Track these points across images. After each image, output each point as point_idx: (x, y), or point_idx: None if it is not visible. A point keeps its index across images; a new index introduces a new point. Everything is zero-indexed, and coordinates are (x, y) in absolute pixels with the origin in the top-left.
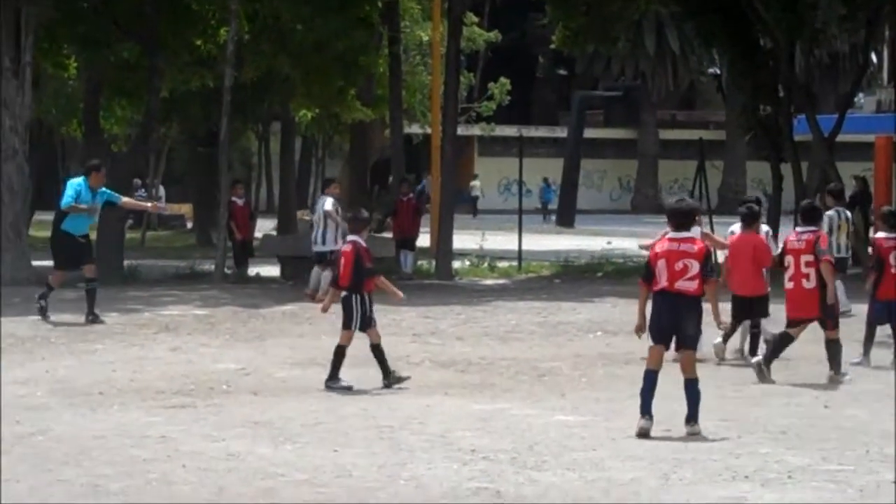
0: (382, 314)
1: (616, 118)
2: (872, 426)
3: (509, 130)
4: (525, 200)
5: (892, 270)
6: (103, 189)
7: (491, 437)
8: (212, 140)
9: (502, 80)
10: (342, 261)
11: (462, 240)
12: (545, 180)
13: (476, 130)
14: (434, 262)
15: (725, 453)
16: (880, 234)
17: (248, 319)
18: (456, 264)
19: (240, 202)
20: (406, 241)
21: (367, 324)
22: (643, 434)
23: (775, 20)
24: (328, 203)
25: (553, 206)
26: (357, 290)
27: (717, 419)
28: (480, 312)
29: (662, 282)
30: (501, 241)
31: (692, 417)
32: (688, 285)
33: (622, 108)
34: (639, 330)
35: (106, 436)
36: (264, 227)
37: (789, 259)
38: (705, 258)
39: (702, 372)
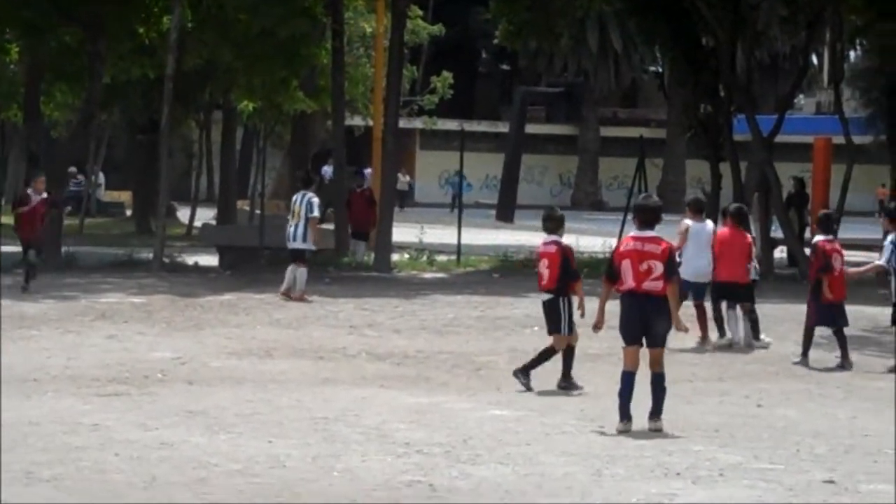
0: (318, 306)
1: (558, 114)
2: (803, 426)
3: (451, 124)
4: (465, 194)
5: (835, 273)
6: None
7: (426, 430)
8: (153, 128)
9: (445, 73)
10: (546, 262)
11: (401, 233)
12: (457, 173)
13: (418, 124)
14: (373, 255)
15: (658, 450)
16: (819, 238)
17: (186, 308)
18: (395, 257)
19: (36, 198)
20: (360, 231)
21: (571, 329)
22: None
23: (717, 20)
24: (316, 209)
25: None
26: (563, 293)
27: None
28: (418, 306)
29: (629, 282)
30: (441, 234)
31: (656, 413)
32: (654, 286)
33: (564, 105)
34: (597, 327)
35: (40, 423)
36: (204, 216)
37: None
38: (669, 259)
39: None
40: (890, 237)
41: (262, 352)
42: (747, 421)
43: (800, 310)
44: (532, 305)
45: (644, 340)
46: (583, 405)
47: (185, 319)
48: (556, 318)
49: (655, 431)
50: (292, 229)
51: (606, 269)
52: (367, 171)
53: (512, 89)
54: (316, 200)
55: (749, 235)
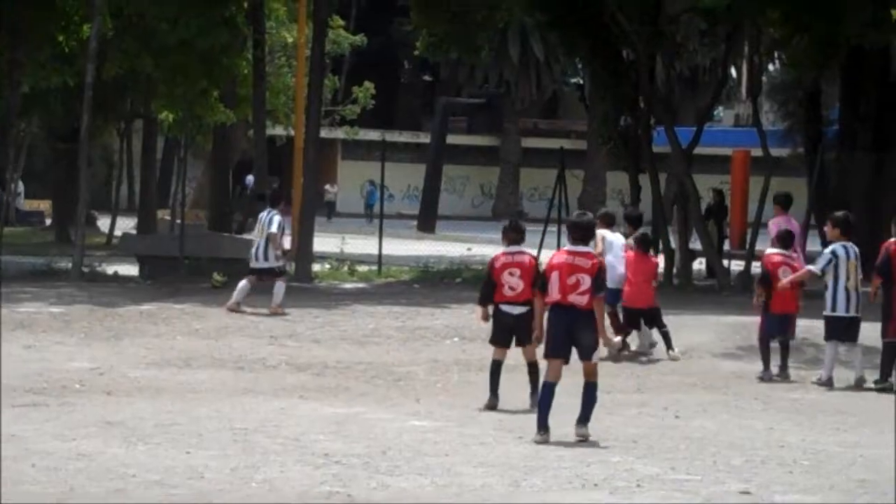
0: (239, 316)
1: (479, 125)
2: (720, 437)
3: (373, 135)
4: (386, 205)
5: (784, 285)
6: None
7: (345, 441)
8: (73, 136)
9: (367, 84)
10: (518, 272)
11: (322, 243)
12: (371, 182)
13: (340, 134)
14: (293, 265)
15: (576, 461)
16: (770, 251)
17: (105, 318)
18: (316, 267)
19: None
20: None
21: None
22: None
23: (637, 33)
24: (274, 225)
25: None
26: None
27: (568, 426)
28: (339, 316)
29: (554, 294)
30: (362, 244)
31: (584, 420)
32: (580, 299)
33: (485, 116)
34: (539, 340)
35: None
36: (124, 225)
37: None
38: (598, 274)
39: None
40: (832, 246)
41: (182, 362)
42: (665, 432)
43: (716, 321)
44: (453, 316)
45: (570, 353)
46: (501, 416)
47: (104, 329)
48: (530, 331)
49: (581, 439)
50: (254, 249)
51: (540, 283)
52: (249, 178)
53: (434, 100)
54: (277, 218)
55: (654, 258)
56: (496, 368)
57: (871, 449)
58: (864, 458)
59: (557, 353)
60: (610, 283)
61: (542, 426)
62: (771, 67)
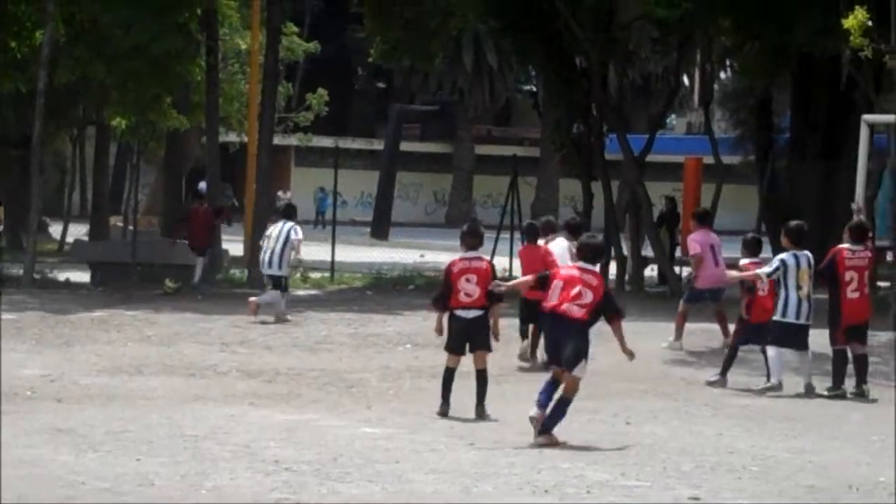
0: (191, 323)
1: (432, 132)
2: (670, 443)
3: (326, 141)
4: (340, 211)
5: (760, 294)
6: None
7: (296, 447)
8: (25, 143)
9: (320, 91)
10: (475, 277)
11: None
12: (321, 189)
13: (293, 140)
14: (246, 272)
15: (527, 468)
16: (745, 261)
17: (56, 325)
18: None
19: None
20: (198, 247)
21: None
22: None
23: (589, 41)
24: (299, 232)
25: (342, 216)
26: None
27: (518, 432)
28: (291, 323)
29: (553, 300)
30: (315, 251)
31: (547, 430)
32: (573, 309)
33: (439, 123)
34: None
35: None
36: (76, 231)
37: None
38: (605, 295)
39: (503, 386)
40: (782, 255)
41: (133, 369)
42: (615, 438)
43: (667, 327)
44: (405, 323)
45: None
46: (452, 423)
47: (55, 336)
48: (486, 336)
49: (541, 446)
50: (268, 255)
51: (543, 279)
52: (202, 185)
53: (387, 107)
54: (299, 227)
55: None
56: (449, 376)
57: (819, 455)
58: (813, 464)
59: (553, 359)
60: None
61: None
62: (723, 75)
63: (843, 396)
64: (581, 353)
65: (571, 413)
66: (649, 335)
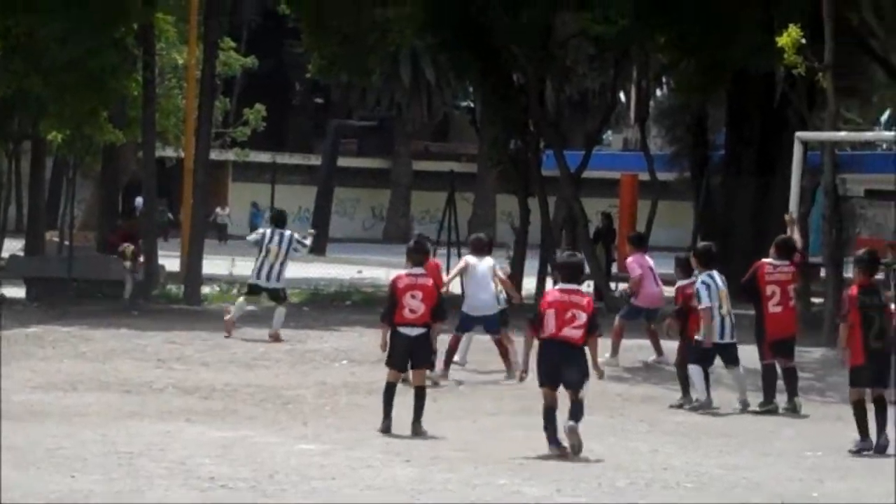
0: (127, 339)
1: (370, 148)
2: (606, 459)
3: (264, 157)
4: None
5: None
6: None
7: (231, 464)
8: None
9: (258, 106)
10: (420, 294)
11: (213, 265)
12: (254, 204)
13: (230, 156)
14: (183, 287)
15: (463, 484)
16: (682, 282)
17: None
18: (205, 290)
19: None
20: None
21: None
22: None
23: (526, 57)
24: (308, 239)
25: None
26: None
27: (455, 449)
28: (228, 339)
29: (550, 329)
30: (252, 266)
31: (553, 439)
32: (574, 333)
33: (376, 138)
34: (525, 374)
35: None
36: (12, 247)
37: None
38: (593, 313)
39: (440, 403)
40: (700, 277)
41: (68, 385)
42: (552, 454)
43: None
44: (342, 338)
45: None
46: (388, 439)
47: None
48: (429, 353)
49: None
50: (267, 268)
51: (533, 317)
52: (139, 200)
53: (325, 122)
54: (298, 236)
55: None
56: (390, 392)
57: (753, 471)
58: (747, 480)
59: (549, 381)
60: (474, 311)
61: (553, 442)
62: (659, 92)
63: (774, 411)
64: (585, 375)
65: (507, 428)
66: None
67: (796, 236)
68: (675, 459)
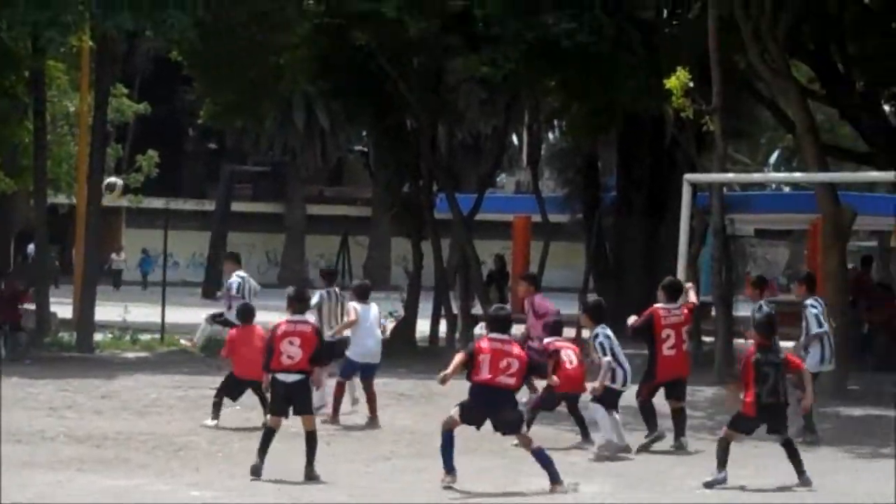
0: (18, 388)
1: (264, 192)
2: (497, 500)
3: (157, 202)
4: (172, 272)
5: (568, 366)
6: None
7: None
8: None
9: (150, 152)
10: (298, 340)
11: (107, 311)
12: (144, 251)
13: (124, 202)
14: (75, 335)
15: None
16: (548, 339)
17: None
18: (98, 336)
19: None
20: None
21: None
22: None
23: (418, 101)
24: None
25: (154, 275)
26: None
27: (348, 494)
28: (120, 386)
29: (485, 374)
30: (146, 313)
31: (555, 478)
32: (508, 380)
33: (270, 183)
34: (446, 379)
35: None
36: None
37: None
38: (529, 361)
39: (333, 447)
40: (598, 331)
41: None
42: (442, 496)
43: None
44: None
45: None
46: (280, 485)
47: None
48: (309, 399)
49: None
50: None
51: (468, 352)
52: (31, 247)
53: (219, 167)
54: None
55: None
56: (268, 435)
57: None
58: None
59: (472, 422)
60: (360, 358)
61: (449, 468)
62: (551, 135)
63: (661, 437)
64: (520, 417)
65: (396, 472)
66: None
67: (692, 298)
68: (569, 498)
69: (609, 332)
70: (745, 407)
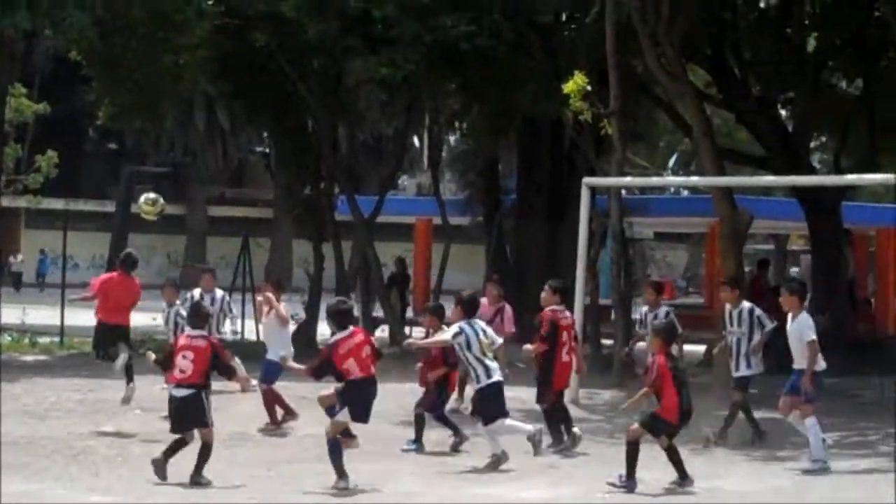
0: None
1: (165, 194)
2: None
3: (57, 203)
4: (71, 274)
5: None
6: None
7: None
8: None
9: (50, 152)
10: (191, 354)
11: (6, 314)
12: (42, 251)
13: (23, 203)
14: None
15: None
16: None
17: None
18: None
19: None
20: None
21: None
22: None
23: (318, 102)
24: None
25: (52, 277)
26: (205, 386)
27: (250, 498)
28: (19, 389)
29: (357, 371)
30: (45, 315)
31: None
32: (374, 368)
33: (171, 184)
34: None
35: None
36: None
37: None
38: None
39: (233, 451)
40: (461, 324)
41: None
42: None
43: (395, 388)
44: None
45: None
46: (184, 490)
47: None
48: (202, 413)
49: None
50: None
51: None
52: None
53: (119, 168)
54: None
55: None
56: (179, 442)
57: None
58: None
59: (364, 419)
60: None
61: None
62: (452, 138)
63: (579, 438)
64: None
65: (300, 477)
66: (382, 396)
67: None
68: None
69: (476, 329)
70: (665, 413)
